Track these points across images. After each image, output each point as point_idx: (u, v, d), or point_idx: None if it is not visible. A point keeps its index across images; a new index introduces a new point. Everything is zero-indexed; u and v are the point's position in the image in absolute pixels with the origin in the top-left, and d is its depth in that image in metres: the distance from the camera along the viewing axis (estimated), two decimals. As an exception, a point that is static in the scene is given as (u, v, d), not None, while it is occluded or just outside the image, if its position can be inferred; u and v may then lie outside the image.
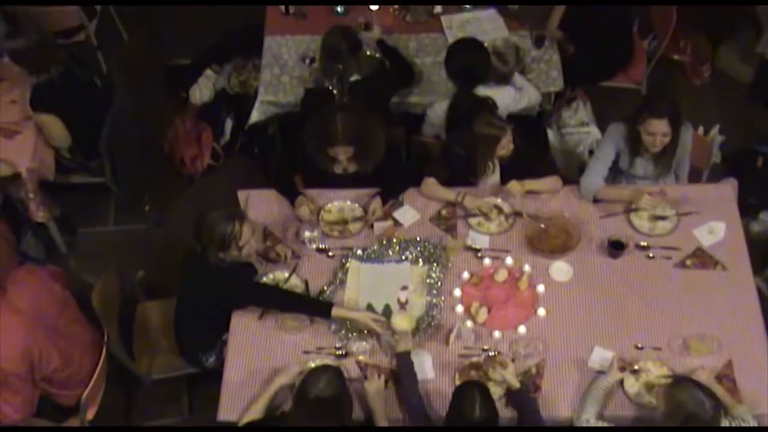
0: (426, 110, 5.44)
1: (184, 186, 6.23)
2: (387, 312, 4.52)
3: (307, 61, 5.71)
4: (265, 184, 5.10)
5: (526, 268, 4.64)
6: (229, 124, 6.38)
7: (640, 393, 4.19)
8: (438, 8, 5.95)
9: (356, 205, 4.93)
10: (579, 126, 6.05)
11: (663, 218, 4.79)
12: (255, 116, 5.71)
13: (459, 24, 5.88)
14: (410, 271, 4.69)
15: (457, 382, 4.18)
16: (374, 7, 5.94)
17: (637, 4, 6.17)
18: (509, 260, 4.68)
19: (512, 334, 4.42)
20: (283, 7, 5.94)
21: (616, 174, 5.06)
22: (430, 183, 4.93)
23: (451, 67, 5.24)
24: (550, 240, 4.73)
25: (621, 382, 4.21)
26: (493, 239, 4.79)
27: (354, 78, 5.27)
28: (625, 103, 6.13)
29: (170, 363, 4.82)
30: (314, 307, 4.48)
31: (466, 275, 4.64)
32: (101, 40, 6.51)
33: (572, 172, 5.60)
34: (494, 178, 4.97)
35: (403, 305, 4.55)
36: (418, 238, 4.80)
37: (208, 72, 6.57)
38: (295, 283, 4.62)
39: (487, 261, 4.69)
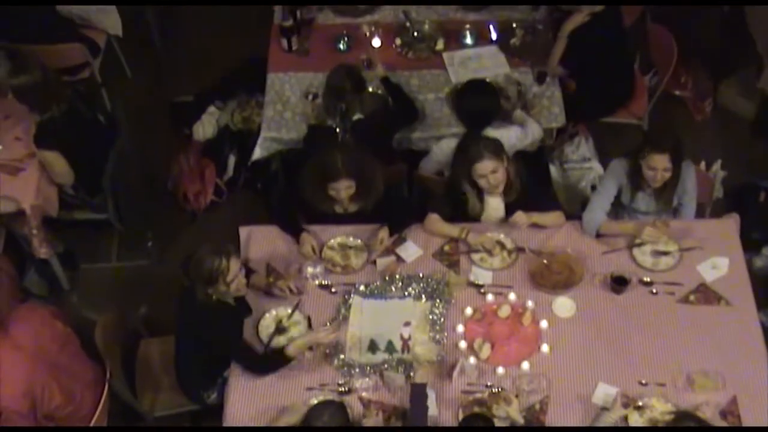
0: (428, 145, 5.45)
1: (187, 222, 6.23)
2: (390, 347, 4.51)
3: (310, 97, 5.73)
4: (267, 220, 5.10)
5: (529, 303, 4.63)
6: (232, 161, 6.39)
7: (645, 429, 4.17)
8: (440, 45, 5.98)
9: (359, 240, 4.93)
10: (581, 161, 6.07)
11: (666, 254, 4.79)
12: (258, 152, 5.73)
13: (460, 60, 5.91)
14: (413, 307, 4.68)
15: (460, 418, 4.16)
16: (376, 44, 5.98)
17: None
18: (512, 296, 4.68)
19: (516, 370, 4.41)
20: (286, 44, 5.98)
21: (618, 209, 5.07)
22: (433, 219, 4.94)
23: (461, 110, 5.26)
24: (553, 276, 4.73)
25: (625, 419, 4.18)
26: (496, 275, 4.79)
27: (357, 117, 5.29)
28: (627, 139, 6.15)
29: (173, 400, 4.80)
30: (273, 360, 4.44)
31: (469, 311, 4.63)
32: (105, 78, 6.54)
33: (574, 208, 5.60)
34: (498, 213, 4.97)
35: (406, 341, 4.54)
36: (421, 274, 4.80)
37: (212, 109, 6.60)
38: (298, 320, 4.62)
39: (490, 297, 4.69)
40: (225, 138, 6.49)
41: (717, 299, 4.62)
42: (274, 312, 4.64)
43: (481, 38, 6.02)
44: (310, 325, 4.60)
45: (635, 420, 4.18)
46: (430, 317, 4.62)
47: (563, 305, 4.64)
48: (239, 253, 4.84)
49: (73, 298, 5.85)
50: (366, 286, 4.76)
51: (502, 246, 4.86)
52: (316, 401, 4.18)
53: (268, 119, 5.69)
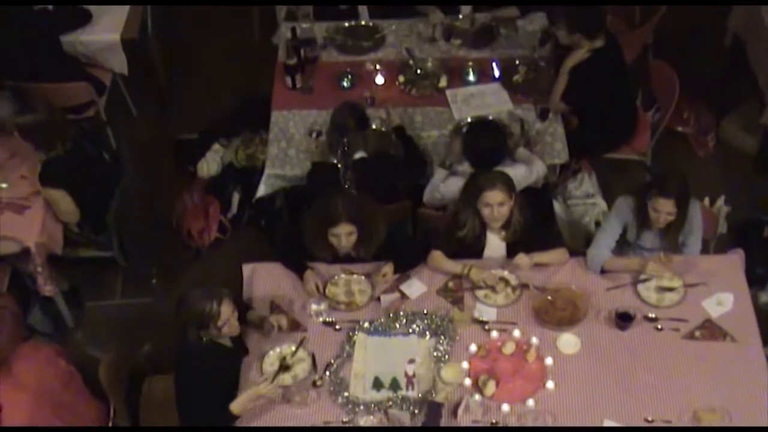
0: (430, 181, 5.47)
1: (191, 259, 6.23)
2: (395, 384, 4.50)
3: (314, 134, 5.76)
4: (271, 257, 5.11)
5: (534, 340, 4.62)
6: (236, 198, 6.41)
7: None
8: (443, 82, 6.01)
9: (363, 277, 4.93)
10: (584, 197, 6.07)
11: (671, 289, 4.78)
12: (262, 189, 5.75)
13: (463, 98, 5.94)
14: (417, 343, 4.67)
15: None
16: (380, 81, 6.02)
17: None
18: (517, 333, 4.66)
19: (521, 407, 4.38)
20: (290, 82, 6.01)
21: (623, 246, 5.07)
22: (437, 256, 4.94)
23: (468, 151, 5.26)
24: (557, 312, 4.72)
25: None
26: (500, 311, 4.78)
27: (360, 155, 5.31)
28: (630, 174, 6.19)
29: (177, 438, 4.78)
30: (221, 419, 4.37)
31: (473, 348, 4.62)
32: (110, 116, 6.58)
33: (578, 244, 5.60)
34: (500, 251, 4.98)
35: (410, 378, 4.52)
36: (425, 311, 4.79)
37: (216, 146, 6.63)
38: (302, 357, 4.60)
39: (494, 333, 4.68)
40: (229, 175, 6.52)
41: (722, 335, 4.61)
42: (278, 349, 4.62)
43: (484, 75, 6.05)
44: (314, 363, 4.59)
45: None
46: (435, 354, 4.60)
47: (568, 342, 4.63)
48: (241, 291, 4.86)
49: (78, 335, 5.84)
50: (370, 323, 4.75)
51: (506, 282, 4.86)
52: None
53: (272, 156, 5.72)
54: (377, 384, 4.51)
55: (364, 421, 4.35)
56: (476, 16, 6.39)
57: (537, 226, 5.01)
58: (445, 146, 5.64)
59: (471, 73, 6.05)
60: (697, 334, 4.62)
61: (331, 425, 4.36)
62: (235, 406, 4.33)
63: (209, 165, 6.55)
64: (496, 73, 6.05)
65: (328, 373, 4.56)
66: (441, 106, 5.93)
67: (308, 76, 6.10)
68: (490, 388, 4.43)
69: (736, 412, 4.29)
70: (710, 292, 4.77)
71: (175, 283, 5.98)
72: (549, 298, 4.77)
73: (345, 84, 6.06)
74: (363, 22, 6.47)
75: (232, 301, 4.43)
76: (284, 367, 4.55)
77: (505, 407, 4.37)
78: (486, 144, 5.23)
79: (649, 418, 4.30)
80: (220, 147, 6.64)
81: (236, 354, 4.59)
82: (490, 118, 5.70)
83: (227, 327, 4.39)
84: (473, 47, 6.27)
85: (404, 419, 4.32)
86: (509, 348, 4.60)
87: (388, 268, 4.88)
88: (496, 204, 4.76)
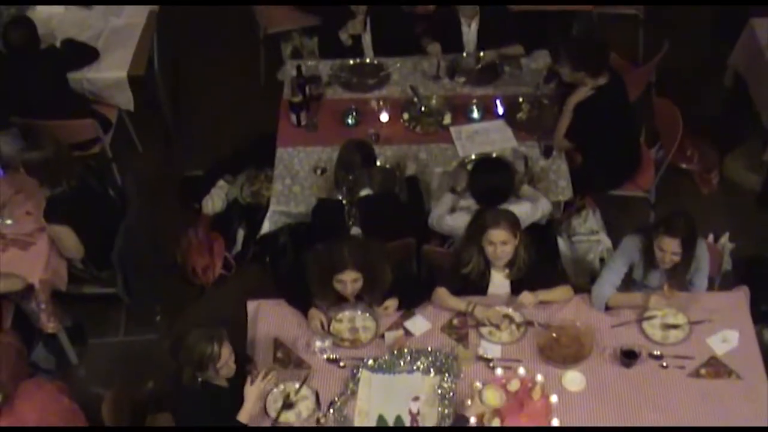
0: (438, 204, 5.47)
1: (196, 296, 6.23)
2: (399, 422, 4.47)
3: (319, 171, 5.78)
4: (276, 294, 5.10)
5: (539, 377, 4.60)
6: (240, 234, 6.42)
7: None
8: (447, 119, 6.03)
9: (367, 314, 4.93)
10: (589, 234, 6.07)
11: (675, 327, 4.77)
12: (267, 226, 5.75)
13: (468, 135, 5.96)
14: (422, 381, 4.65)
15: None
16: (384, 119, 6.04)
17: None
18: (522, 370, 4.65)
19: (526, 446, 4.36)
20: (295, 119, 6.04)
21: (629, 285, 5.04)
22: (441, 292, 4.93)
23: (475, 188, 5.27)
24: (562, 349, 4.70)
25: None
26: (505, 349, 4.77)
27: (365, 192, 5.32)
28: (634, 211, 6.21)
29: (179, 476, 4.75)
30: None
31: (478, 385, 4.60)
32: (116, 152, 6.61)
33: (583, 280, 5.60)
34: (505, 288, 4.98)
35: (414, 416, 4.50)
36: (429, 348, 4.78)
37: (221, 183, 6.65)
38: (306, 394, 4.59)
39: (499, 371, 4.66)
40: (234, 212, 6.53)
41: (728, 373, 4.59)
42: (282, 386, 4.61)
43: (488, 112, 6.08)
44: (318, 400, 4.57)
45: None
46: (439, 391, 4.59)
47: (573, 379, 4.61)
48: (245, 328, 4.84)
49: (81, 372, 5.82)
50: (374, 361, 4.74)
51: (511, 319, 4.86)
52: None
53: (277, 193, 5.73)
54: (381, 422, 4.49)
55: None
56: (482, 54, 6.43)
57: (541, 263, 5.00)
58: (449, 176, 5.65)
59: (475, 110, 6.07)
60: (703, 371, 4.61)
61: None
62: (242, 416, 4.34)
63: (214, 202, 6.57)
64: (500, 111, 6.07)
65: (332, 410, 4.54)
66: (445, 143, 5.94)
67: (313, 114, 6.13)
68: (496, 425, 4.41)
69: (742, 450, 4.27)
70: (715, 329, 4.76)
71: (179, 319, 5.98)
72: (554, 335, 4.76)
73: (350, 121, 6.09)
74: (368, 60, 6.52)
75: (230, 344, 4.41)
76: (288, 404, 4.54)
77: (510, 445, 4.35)
78: (492, 181, 5.24)
79: (655, 457, 4.28)
80: (225, 184, 6.66)
81: (234, 395, 4.55)
82: (494, 155, 5.72)
83: (225, 368, 4.38)
84: (477, 85, 6.30)
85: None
86: (514, 385, 4.58)
87: (390, 302, 4.88)
88: (499, 243, 4.77)
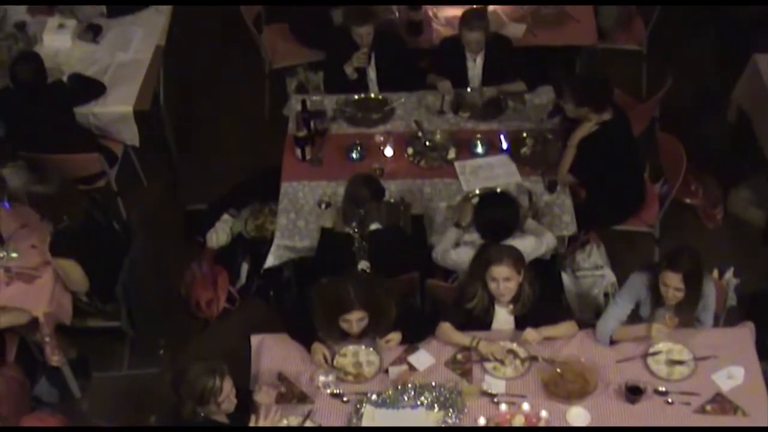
0: (443, 238, 5.47)
1: (199, 330, 6.23)
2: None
3: (323, 206, 5.79)
4: (279, 328, 5.09)
5: (543, 413, 4.58)
6: (245, 268, 6.42)
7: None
8: (451, 154, 6.05)
9: (371, 349, 4.92)
10: (593, 269, 6.05)
11: (681, 363, 4.75)
12: (271, 260, 5.75)
13: (472, 169, 5.97)
14: (425, 416, 4.63)
15: None
16: (389, 153, 6.06)
17: None
18: (526, 406, 4.62)
19: (530, 483, 4.33)
20: (299, 154, 6.06)
21: (636, 323, 5.00)
22: (445, 327, 4.92)
23: (480, 222, 5.27)
24: (566, 385, 4.68)
25: None
26: (509, 384, 4.75)
27: (375, 226, 5.32)
28: (639, 246, 6.20)
29: None
30: None
31: (482, 421, 4.58)
32: (121, 186, 6.63)
33: (587, 315, 5.58)
34: (509, 324, 4.96)
35: (418, 452, 4.49)
36: (433, 383, 4.76)
37: (225, 216, 6.66)
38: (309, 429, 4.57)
39: (503, 406, 4.63)
40: (238, 246, 6.54)
41: (733, 409, 4.56)
42: (285, 421, 4.59)
43: (492, 147, 6.09)
44: (321, 435, 4.56)
45: None
46: (443, 427, 4.56)
47: (578, 415, 4.59)
48: (249, 362, 4.83)
49: (84, 406, 5.80)
50: (378, 395, 4.72)
51: (515, 354, 4.84)
52: None
53: (281, 227, 5.74)
54: (386, 458, 4.47)
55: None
56: (484, 90, 6.46)
57: (546, 298, 5.00)
58: (454, 210, 5.66)
59: (479, 145, 6.08)
60: (708, 408, 4.58)
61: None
62: None
63: (218, 235, 6.58)
64: (504, 146, 6.09)
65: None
66: (449, 178, 5.95)
67: (318, 148, 6.15)
68: (500, 461, 4.39)
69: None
70: (721, 366, 4.74)
71: (183, 353, 5.97)
72: (558, 370, 4.74)
73: (354, 156, 6.10)
74: (372, 95, 6.55)
75: (231, 378, 4.39)
76: (291, 439, 4.53)
77: (515, 482, 4.32)
78: (498, 216, 5.23)
79: (661, 494, 4.25)
80: (230, 218, 6.66)
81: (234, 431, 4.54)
82: (499, 190, 5.73)
83: (226, 403, 4.36)
84: (481, 119, 6.32)
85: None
86: (518, 421, 4.56)
87: (393, 335, 4.87)
88: (502, 279, 4.76)
